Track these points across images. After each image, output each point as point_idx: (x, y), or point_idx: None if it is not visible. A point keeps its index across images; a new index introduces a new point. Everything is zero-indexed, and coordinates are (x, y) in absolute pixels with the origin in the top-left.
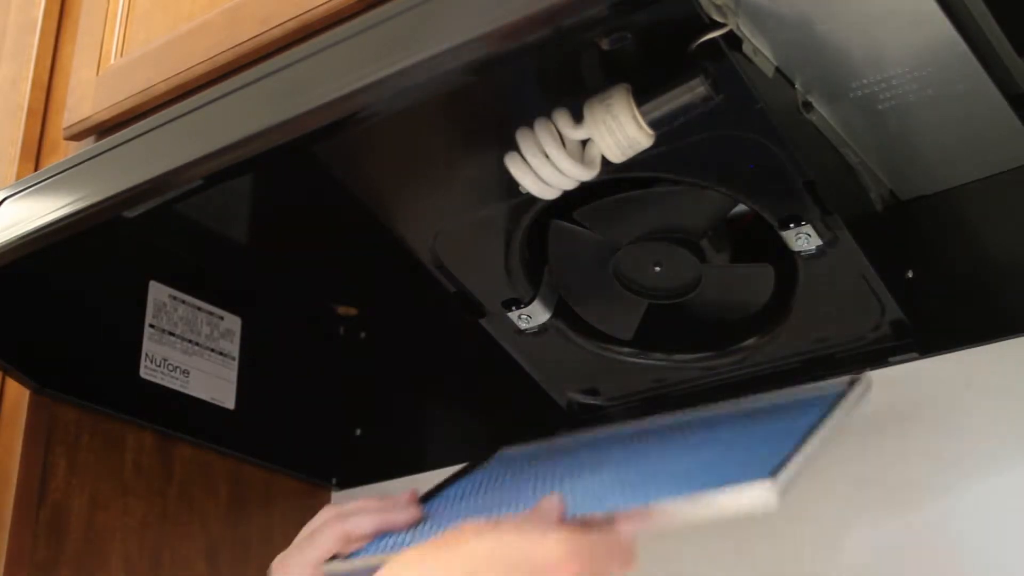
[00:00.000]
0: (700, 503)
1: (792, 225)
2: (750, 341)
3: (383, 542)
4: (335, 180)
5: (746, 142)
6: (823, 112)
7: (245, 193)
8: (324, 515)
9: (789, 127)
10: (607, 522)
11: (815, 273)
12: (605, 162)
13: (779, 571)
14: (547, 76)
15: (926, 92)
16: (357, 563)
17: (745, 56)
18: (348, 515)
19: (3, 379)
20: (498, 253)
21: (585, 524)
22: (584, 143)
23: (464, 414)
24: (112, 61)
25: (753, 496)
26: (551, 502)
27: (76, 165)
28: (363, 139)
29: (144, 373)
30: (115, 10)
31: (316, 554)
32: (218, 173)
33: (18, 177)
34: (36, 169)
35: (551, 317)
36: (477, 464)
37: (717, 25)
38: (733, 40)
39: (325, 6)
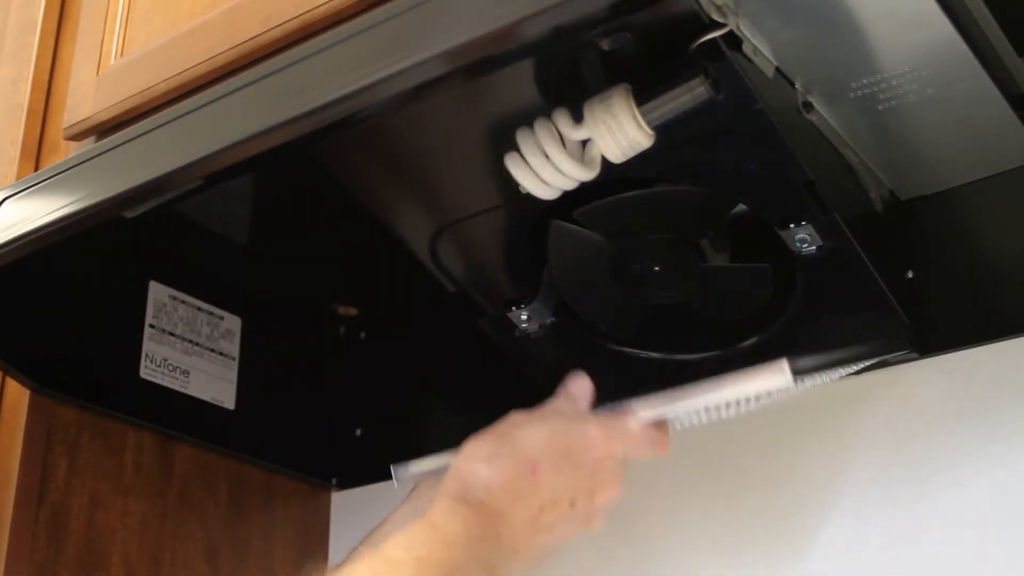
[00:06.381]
0: (718, 384)
1: (792, 225)
2: (750, 341)
3: None
4: (335, 180)
5: (746, 142)
6: (823, 112)
7: (245, 193)
8: None
9: (789, 127)
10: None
11: (815, 273)
12: (605, 162)
13: (780, 570)
14: (547, 76)
15: (926, 92)
16: (425, 465)
17: (745, 56)
18: None
19: (3, 379)
20: (498, 253)
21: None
22: (584, 143)
23: (464, 414)
24: (112, 61)
25: (772, 375)
26: (578, 383)
27: (76, 165)
28: (363, 139)
29: (144, 373)
30: (115, 10)
31: None
32: (218, 173)
33: (18, 177)
34: (36, 169)
35: (551, 317)
36: None
37: (717, 25)
38: (733, 40)
39: (325, 6)
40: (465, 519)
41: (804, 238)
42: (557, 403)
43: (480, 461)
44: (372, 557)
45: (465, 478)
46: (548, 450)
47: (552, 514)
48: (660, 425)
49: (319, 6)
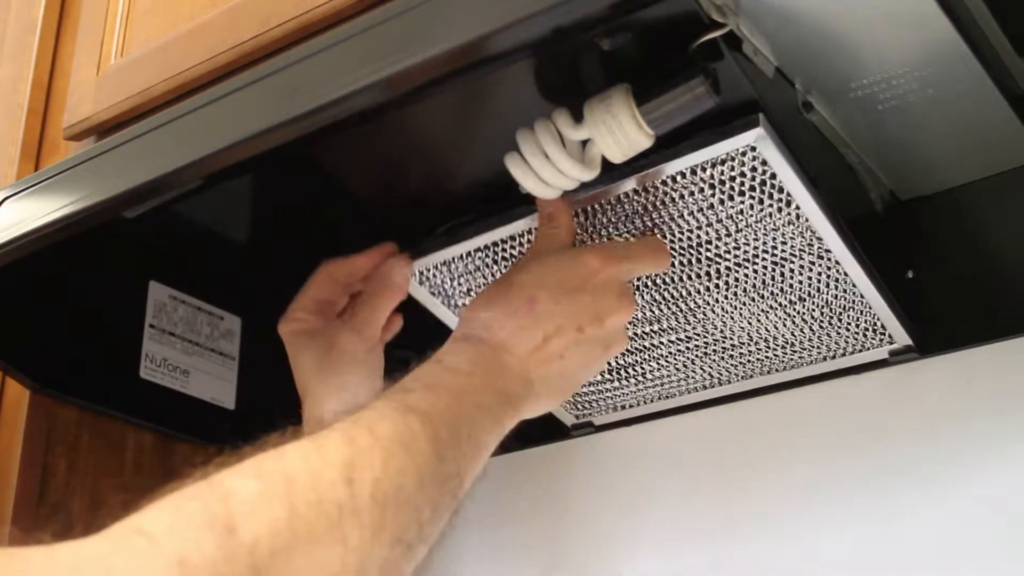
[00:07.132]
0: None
1: None
2: None
3: None
4: (335, 180)
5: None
6: (823, 112)
7: (245, 193)
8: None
9: (789, 127)
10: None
11: None
12: (605, 162)
13: (779, 570)
14: (547, 76)
15: (926, 92)
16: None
17: (745, 56)
18: (332, 262)
19: (3, 379)
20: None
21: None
22: (584, 143)
23: None
24: (112, 61)
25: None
26: (550, 204)
27: (76, 165)
28: (363, 139)
29: (144, 373)
30: (115, 10)
31: (309, 294)
32: (218, 173)
33: (18, 177)
34: (36, 169)
35: None
36: None
37: (717, 25)
38: (733, 40)
39: (325, 6)
40: (466, 352)
41: None
42: (547, 232)
43: (479, 307)
44: (387, 392)
45: (467, 323)
46: (544, 284)
47: (558, 341)
48: (652, 238)
49: (319, 6)
